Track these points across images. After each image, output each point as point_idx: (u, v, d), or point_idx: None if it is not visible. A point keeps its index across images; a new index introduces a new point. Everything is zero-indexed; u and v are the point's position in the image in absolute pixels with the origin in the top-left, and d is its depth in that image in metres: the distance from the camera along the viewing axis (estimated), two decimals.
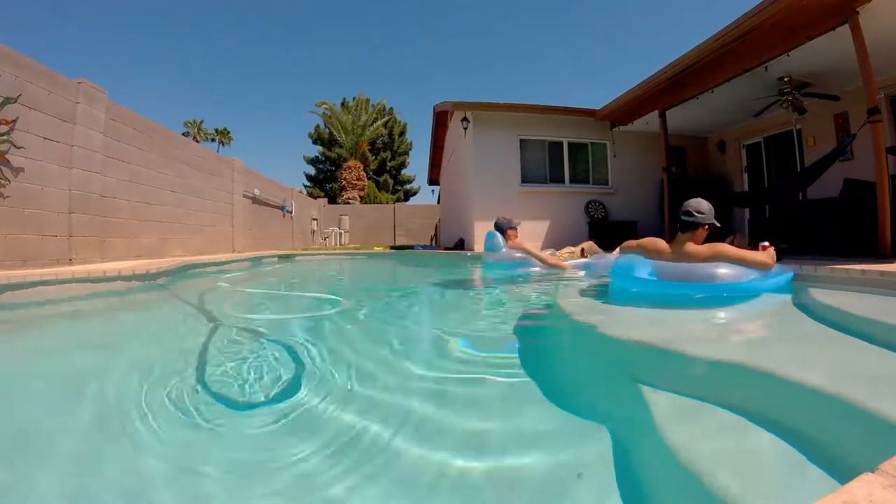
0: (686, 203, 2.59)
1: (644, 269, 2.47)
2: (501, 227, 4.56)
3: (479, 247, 8.46)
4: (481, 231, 8.60)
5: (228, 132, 38.06)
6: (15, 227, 4.11)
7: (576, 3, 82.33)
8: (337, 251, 11.78)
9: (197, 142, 23.98)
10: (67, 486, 0.88)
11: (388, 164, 30.48)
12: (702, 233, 2.54)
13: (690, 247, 2.47)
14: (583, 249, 4.72)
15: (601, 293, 2.73)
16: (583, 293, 2.73)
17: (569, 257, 4.57)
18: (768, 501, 0.71)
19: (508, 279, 4.16)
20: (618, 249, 2.99)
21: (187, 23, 68.80)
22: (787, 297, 2.35)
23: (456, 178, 11.26)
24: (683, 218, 2.55)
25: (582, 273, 4.18)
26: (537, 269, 4.31)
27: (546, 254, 4.37)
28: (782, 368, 1.08)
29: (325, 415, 1.15)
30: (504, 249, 4.53)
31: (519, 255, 4.40)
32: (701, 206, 2.54)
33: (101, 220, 5.22)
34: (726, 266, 2.32)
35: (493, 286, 4.07)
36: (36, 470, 0.92)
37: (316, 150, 30.22)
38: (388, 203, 24.05)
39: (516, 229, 4.57)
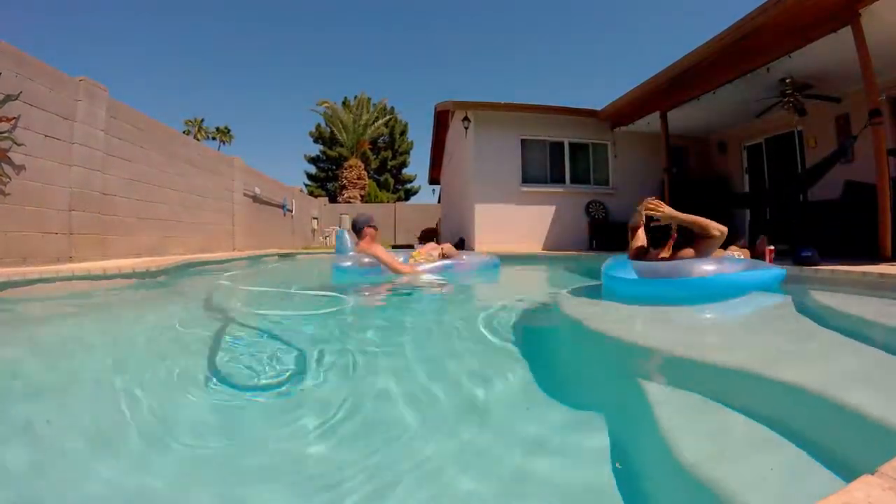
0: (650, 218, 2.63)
1: (630, 270, 2.48)
2: (356, 226, 3.96)
3: (479, 246, 8.46)
4: (482, 231, 8.61)
5: (229, 130, 38.11)
6: (15, 224, 4.11)
7: (577, 3, 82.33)
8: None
9: (197, 140, 23.97)
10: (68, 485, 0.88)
11: (389, 163, 30.48)
12: (670, 243, 2.61)
13: (663, 254, 2.57)
14: (442, 252, 4.19)
15: (595, 293, 2.73)
16: (577, 294, 2.73)
17: (424, 260, 4.05)
18: (768, 501, 0.70)
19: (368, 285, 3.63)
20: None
21: (189, 21, 68.84)
22: (786, 298, 2.35)
23: (457, 177, 11.26)
24: (654, 234, 2.61)
25: (435, 278, 3.84)
26: (389, 274, 3.74)
27: (398, 259, 3.84)
28: (783, 368, 1.08)
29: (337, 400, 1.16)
30: (352, 253, 3.97)
31: (367, 260, 3.79)
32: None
33: (102, 217, 5.22)
34: (709, 263, 2.31)
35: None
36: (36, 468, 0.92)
37: (317, 149, 30.25)
38: (388, 202, 24.05)
39: (375, 229, 3.98)
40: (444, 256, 4.17)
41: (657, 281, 2.30)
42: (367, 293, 3.37)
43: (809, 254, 3.58)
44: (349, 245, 4.04)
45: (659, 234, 2.60)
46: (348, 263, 3.89)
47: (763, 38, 5.00)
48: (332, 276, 3.98)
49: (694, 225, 2.38)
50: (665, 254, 2.57)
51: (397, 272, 3.72)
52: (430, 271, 3.93)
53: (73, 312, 2.87)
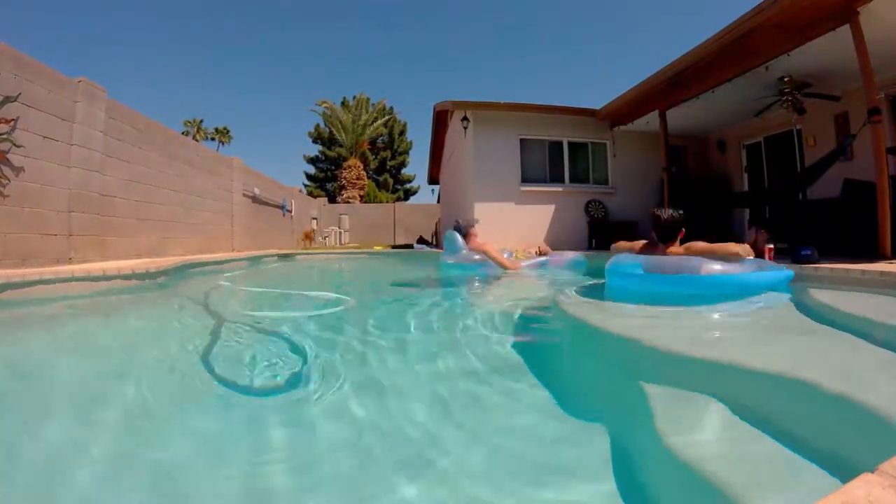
0: (659, 214, 2.68)
1: (636, 267, 2.48)
2: (462, 229, 4.60)
3: None
4: (482, 231, 8.59)
5: (228, 131, 38.10)
6: (15, 225, 4.10)
7: (577, 3, 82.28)
8: (337, 250, 11.78)
9: (196, 141, 23.97)
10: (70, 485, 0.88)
11: (388, 163, 30.47)
12: (679, 237, 2.66)
13: (673, 249, 2.59)
14: (539, 250, 4.93)
15: (598, 291, 2.73)
16: (580, 291, 2.73)
17: (524, 257, 4.67)
18: (768, 501, 0.71)
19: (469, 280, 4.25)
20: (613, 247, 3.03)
21: (188, 22, 68.76)
22: (786, 297, 2.35)
23: (456, 177, 11.26)
24: (662, 232, 2.65)
25: (535, 273, 4.39)
26: (494, 270, 4.34)
27: (504, 256, 4.44)
28: (782, 368, 1.08)
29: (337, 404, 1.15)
30: (464, 251, 4.54)
31: (478, 256, 4.40)
32: (673, 214, 2.66)
33: (101, 219, 5.22)
34: (716, 262, 2.31)
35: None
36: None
37: (316, 149, 30.23)
38: (387, 202, 24.05)
39: (475, 230, 4.65)
40: (540, 254, 4.92)
41: (664, 277, 2.29)
42: (477, 284, 4.12)
43: (809, 252, 3.58)
44: (460, 244, 4.59)
45: (668, 229, 2.61)
46: (456, 259, 4.56)
47: (762, 37, 5.00)
48: (441, 269, 4.78)
49: (721, 253, 2.40)
50: (675, 248, 2.57)
51: (504, 268, 4.30)
52: (530, 266, 4.53)
53: (73, 313, 2.86)
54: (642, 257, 2.52)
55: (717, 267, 2.26)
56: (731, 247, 2.41)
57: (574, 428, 1.10)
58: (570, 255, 5.06)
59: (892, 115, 5.66)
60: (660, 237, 2.67)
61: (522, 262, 4.55)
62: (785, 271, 2.57)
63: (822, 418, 0.91)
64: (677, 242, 2.64)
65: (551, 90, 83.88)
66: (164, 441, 1.03)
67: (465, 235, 4.57)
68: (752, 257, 2.64)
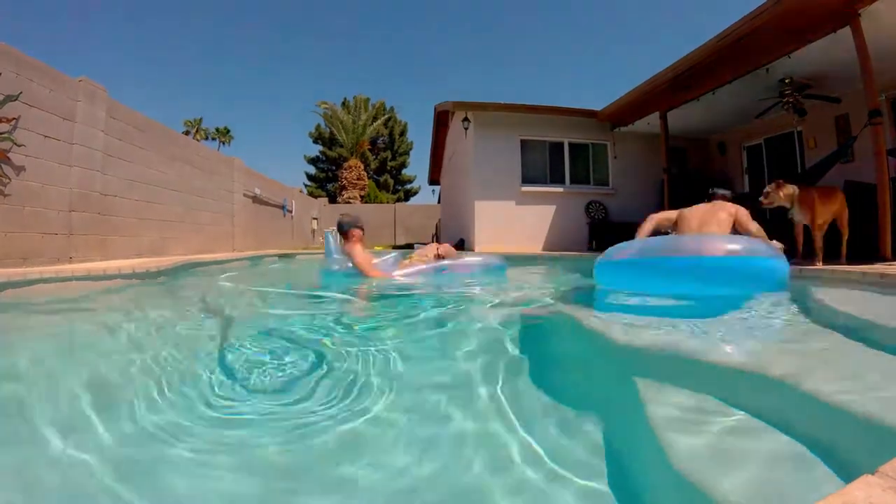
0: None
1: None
2: (341, 228, 3.78)
3: (479, 247, 8.47)
4: (482, 231, 8.61)
5: (229, 131, 38.14)
6: (15, 225, 4.11)
7: (578, 3, 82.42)
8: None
9: (197, 141, 23.98)
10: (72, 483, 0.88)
11: (389, 163, 30.49)
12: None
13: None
14: (437, 253, 3.99)
15: (593, 292, 2.74)
16: (578, 293, 2.74)
17: (418, 261, 3.88)
18: (768, 501, 0.70)
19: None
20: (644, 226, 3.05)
21: (188, 21, 68.87)
22: (787, 297, 2.34)
23: (456, 178, 11.26)
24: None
25: (410, 280, 3.61)
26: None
27: (374, 262, 3.69)
28: (782, 369, 1.08)
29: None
30: (337, 256, 3.85)
31: (352, 263, 3.64)
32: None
33: (102, 218, 5.22)
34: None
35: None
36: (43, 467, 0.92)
37: (317, 150, 30.25)
38: (388, 203, 24.07)
39: (362, 230, 3.78)
40: (439, 257, 3.95)
41: (651, 260, 2.25)
42: (350, 298, 3.14)
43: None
44: (334, 247, 3.89)
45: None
46: (336, 267, 3.77)
47: (762, 39, 5.00)
48: (320, 279, 3.84)
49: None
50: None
51: (366, 275, 3.53)
52: (414, 274, 3.69)
53: (74, 313, 2.86)
54: (641, 241, 2.51)
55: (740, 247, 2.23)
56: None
57: (568, 427, 1.10)
58: (482, 259, 4.25)
59: (892, 117, 5.66)
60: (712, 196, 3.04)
61: (403, 270, 3.71)
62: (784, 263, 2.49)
63: (821, 419, 0.91)
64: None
65: (552, 91, 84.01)
66: (160, 445, 1.03)
67: (345, 235, 3.74)
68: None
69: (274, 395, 1.32)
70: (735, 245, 2.23)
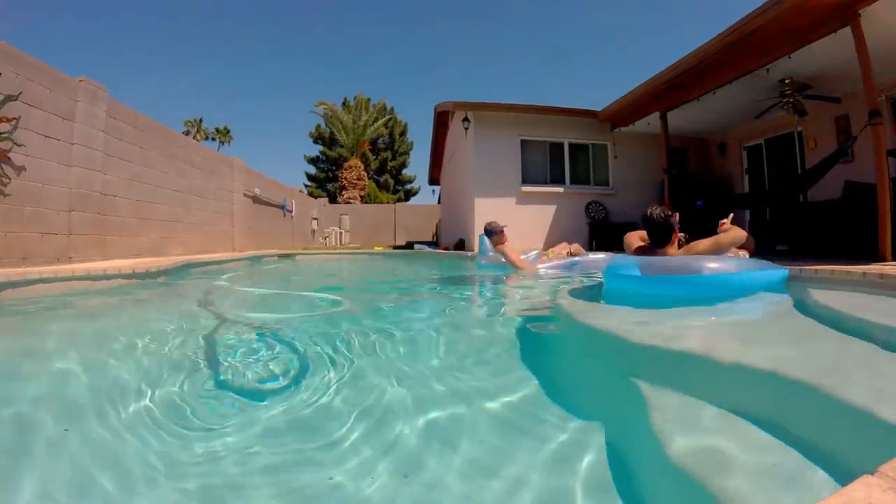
0: (651, 215, 2.55)
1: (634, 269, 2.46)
2: (489, 232, 4.95)
3: (479, 247, 8.46)
4: (482, 231, 8.60)
5: (228, 131, 38.07)
6: (15, 224, 4.11)
7: (578, 3, 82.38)
8: (337, 251, 11.79)
9: (197, 141, 23.99)
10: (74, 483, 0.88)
11: (389, 163, 30.50)
12: (675, 238, 2.61)
13: (670, 251, 2.57)
14: (570, 251, 4.98)
15: (596, 292, 2.73)
16: (578, 293, 2.74)
17: (555, 257, 4.86)
18: (767, 502, 0.70)
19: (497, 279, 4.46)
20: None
21: (188, 22, 68.90)
22: (786, 297, 2.34)
23: (457, 178, 11.26)
24: (659, 236, 2.56)
25: (552, 272, 4.47)
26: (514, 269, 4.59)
27: (521, 258, 4.67)
28: (782, 368, 1.08)
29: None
30: (491, 253, 4.91)
31: (503, 258, 4.71)
32: (666, 214, 2.55)
33: (102, 218, 5.22)
34: (715, 260, 2.31)
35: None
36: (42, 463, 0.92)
37: (317, 150, 30.26)
38: (388, 203, 24.07)
39: (503, 233, 4.92)
40: (570, 254, 4.90)
41: (661, 279, 2.28)
42: (504, 280, 4.29)
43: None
44: (489, 246, 4.97)
45: (661, 232, 2.57)
46: (483, 261, 5.08)
47: (762, 39, 5.00)
48: (476, 269, 5.41)
49: (728, 241, 2.43)
50: (672, 250, 2.55)
51: (517, 267, 4.49)
52: (555, 266, 4.59)
53: (73, 313, 2.86)
54: (640, 258, 2.51)
55: (715, 265, 2.25)
56: (738, 231, 2.43)
57: (569, 426, 1.10)
58: (605, 256, 4.75)
59: (892, 118, 5.66)
60: (653, 241, 2.59)
61: (543, 264, 4.62)
62: (781, 270, 2.56)
63: (821, 420, 0.91)
64: (675, 245, 2.59)
65: (552, 91, 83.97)
66: (156, 443, 1.03)
67: (492, 238, 4.91)
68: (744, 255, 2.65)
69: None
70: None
